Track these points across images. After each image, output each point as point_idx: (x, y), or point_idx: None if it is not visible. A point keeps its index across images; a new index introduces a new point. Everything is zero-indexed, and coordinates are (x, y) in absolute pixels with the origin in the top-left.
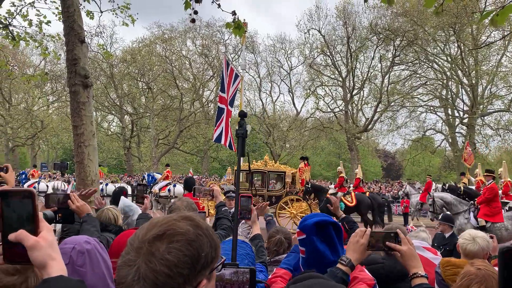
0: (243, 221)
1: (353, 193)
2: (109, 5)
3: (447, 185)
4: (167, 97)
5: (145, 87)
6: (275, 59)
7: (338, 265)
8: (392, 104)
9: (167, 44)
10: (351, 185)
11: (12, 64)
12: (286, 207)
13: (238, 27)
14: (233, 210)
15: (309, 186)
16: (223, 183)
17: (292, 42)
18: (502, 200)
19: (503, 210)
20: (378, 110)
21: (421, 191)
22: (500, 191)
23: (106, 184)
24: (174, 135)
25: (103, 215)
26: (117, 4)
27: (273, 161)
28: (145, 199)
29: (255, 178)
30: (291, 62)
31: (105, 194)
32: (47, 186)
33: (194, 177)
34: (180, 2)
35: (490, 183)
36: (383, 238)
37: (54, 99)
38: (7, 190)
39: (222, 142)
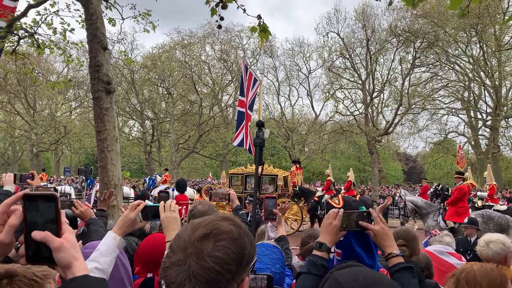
0: (269, 222)
1: (340, 196)
2: (131, 12)
3: (440, 186)
4: (187, 102)
5: (165, 93)
6: (294, 62)
7: (314, 252)
8: (413, 106)
9: (186, 50)
10: (342, 188)
11: (36, 72)
12: None
13: (264, 30)
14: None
15: (298, 189)
16: (219, 186)
17: (311, 46)
18: (487, 203)
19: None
20: (398, 113)
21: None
22: (485, 193)
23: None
24: (193, 140)
25: None
26: (138, 11)
27: (266, 164)
28: None
29: (249, 181)
30: (309, 66)
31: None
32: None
33: (214, 181)
34: (198, 8)
35: (459, 184)
36: (356, 218)
37: (77, 105)
38: (31, 193)
39: (244, 146)
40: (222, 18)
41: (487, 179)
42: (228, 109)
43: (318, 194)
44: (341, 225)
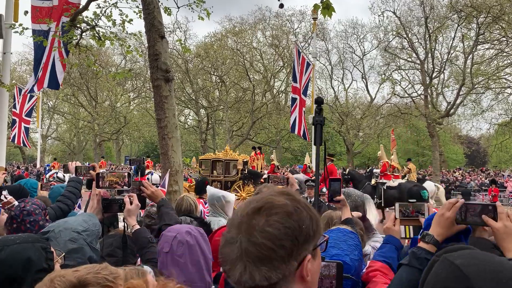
0: None
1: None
2: (185, 0)
3: (347, 170)
4: (240, 90)
5: (219, 81)
6: (347, 44)
7: (420, 244)
8: (476, 86)
9: (238, 37)
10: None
11: (97, 64)
12: (240, 190)
13: (327, 7)
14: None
15: (246, 172)
16: (193, 171)
17: (365, 26)
18: (380, 180)
19: (381, 189)
20: (460, 93)
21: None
22: (378, 170)
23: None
24: (247, 127)
25: (184, 203)
26: None
27: (236, 152)
28: None
29: (218, 166)
30: (364, 47)
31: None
32: (64, 175)
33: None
34: None
35: (329, 164)
36: (480, 212)
37: (135, 96)
38: None
39: (296, 131)
40: None
41: (382, 158)
42: (280, 95)
43: (265, 176)
44: (456, 217)
